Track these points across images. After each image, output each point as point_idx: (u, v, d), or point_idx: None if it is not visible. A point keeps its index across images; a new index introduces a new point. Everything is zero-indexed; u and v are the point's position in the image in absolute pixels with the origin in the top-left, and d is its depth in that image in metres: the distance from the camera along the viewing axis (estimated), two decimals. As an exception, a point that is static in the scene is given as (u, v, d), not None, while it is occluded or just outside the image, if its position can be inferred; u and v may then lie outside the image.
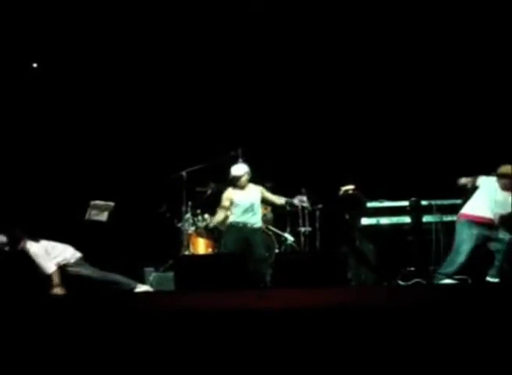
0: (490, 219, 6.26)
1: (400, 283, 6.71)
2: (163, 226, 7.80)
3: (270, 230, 7.57)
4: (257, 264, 6.50)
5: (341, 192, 7.10)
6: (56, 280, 6.28)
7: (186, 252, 7.38)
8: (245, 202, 6.72)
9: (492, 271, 6.24)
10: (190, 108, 8.58)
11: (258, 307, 3.82)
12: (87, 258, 6.62)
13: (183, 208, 7.39)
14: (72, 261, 6.48)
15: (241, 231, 6.71)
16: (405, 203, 7.05)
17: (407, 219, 7.03)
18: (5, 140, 8.11)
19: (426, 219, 6.93)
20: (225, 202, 6.84)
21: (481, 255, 6.38)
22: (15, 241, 6.32)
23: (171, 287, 6.28)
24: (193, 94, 8.52)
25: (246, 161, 6.96)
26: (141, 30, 7.92)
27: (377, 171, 7.97)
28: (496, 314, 3.45)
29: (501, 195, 6.27)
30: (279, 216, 7.77)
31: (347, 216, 7.23)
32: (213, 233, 7.67)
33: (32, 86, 8.32)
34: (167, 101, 8.58)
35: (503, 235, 6.23)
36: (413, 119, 8.27)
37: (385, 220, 7.07)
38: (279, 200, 6.99)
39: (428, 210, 6.89)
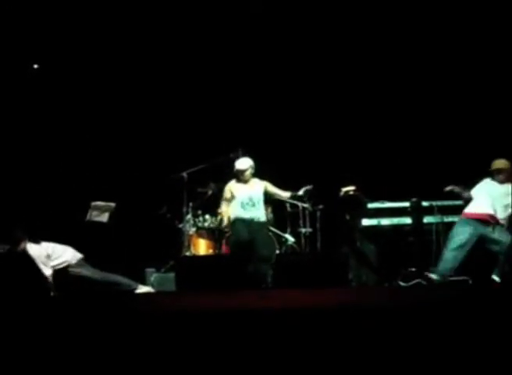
0: (488, 216, 6.27)
1: (401, 283, 6.71)
2: (164, 227, 7.80)
3: (270, 230, 7.56)
4: (258, 264, 6.49)
5: (342, 193, 7.09)
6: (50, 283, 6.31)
7: (187, 253, 7.38)
8: (243, 196, 6.70)
9: (497, 271, 6.28)
10: (190, 109, 8.58)
11: (259, 307, 3.82)
12: (88, 259, 6.62)
13: (184, 209, 7.40)
14: (74, 262, 6.48)
15: (247, 225, 6.66)
16: (406, 204, 7.05)
17: (407, 220, 7.03)
18: (6, 140, 8.11)
19: (427, 219, 6.93)
20: (226, 194, 6.84)
21: (481, 255, 6.38)
22: (15, 242, 6.32)
23: (172, 287, 6.29)
24: (194, 94, 8.52)
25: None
26: (141, 31, 7.92)
27: (378, 172, 7.97)
28: (497, 314, 3.45)
29: (500, 190, 6.30)
30: (279, 217, 7.77)
31: (348, 217, 7.23)
32: (214, 234, 7.68)
33: (33, 87, 8.33)
34: (167, 102, 8.58)
35: (498, 236, 6.22)
36: (414, 119, 8.27)
37: (386, 221, 7.07)
38: (285, 193, 6.97)
39: (429, 211, 6.88)
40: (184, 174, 7.29)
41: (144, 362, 3.17)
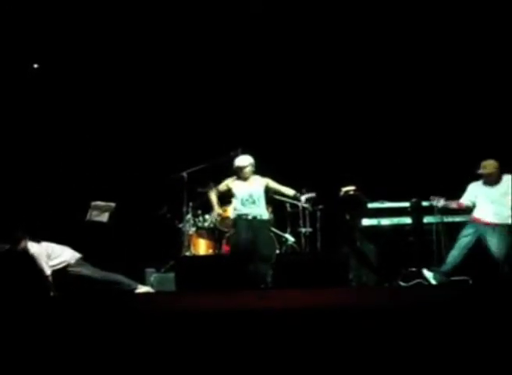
0: (490, 219, 6.29)
1: (401, 283, 6.71)
2: (164, 227, 7.80)
3: (271, 230, 7.56)
4: (259, 264, 6.47)
5: (342, 193, 7.09)
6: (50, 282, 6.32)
7: (187, 253, 7.38)
8: (243, 193, 6.67)
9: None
10: (190, 108, 8.57)
11: (259, 307, 3.82)
12: (88, 259, 6.63)
13: (184, 209, 7.40)
14: (73, 262, 6.50)
15: (250, 223, 6.63)
16: (406, 204, 7.05)
17: (407, 220, 7.04)
18: (6, 140, 8.11)
19: (427, 219, 6.94)
20: (222, 186, 6.81)
21: (481, 255, 6.39)
22: (16, 241, 6.33)
23: (172, 287, 6.28)
24: (193, 94, 8.52)
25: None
26: (141, 31, 7.92)
27: (378, 172, 7.96)
28: (497, 315, 3.45)
29: (496, 192, 6.33)
30: (279, 217, 7.76)
31: (348, 217, 7.22)
32: (214, 234, 7.68)
33: (33, 86, 8.33)
34: (167, 102, 8.58)
35: (497, 238, 6.24)
36: (414, 120, 8.27)
37: (386, 221, 7.08)
38: (289, 191, 6.88)
39: (429, 211, 6.88)
40: (184, 174, 7.28)
41: (143, 362, 3.17)
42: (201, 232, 7.66)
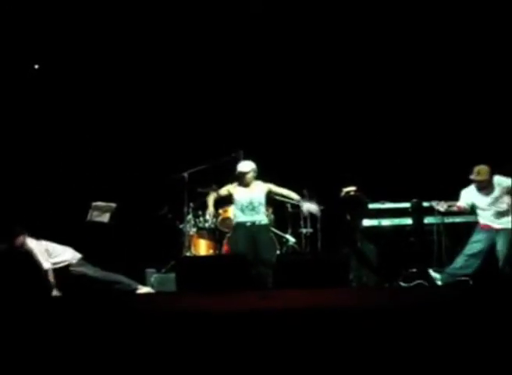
0: (495, 225, 6.36)
1: (402, 284, 6.71)
2: (164, 228, 7.80)
3: (271, 231, 7.55)
4: (260, 267, 6.48)
5: (343, 193, 7.09)
6: (51, 280, 6.32)
7: (188, 253, 7.38)
8: (243, 200, 6.69)
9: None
10: (191, 109, 8.57)
11: (260, 308, 3.82)
12: (88, 259, 6.66)
13: (185, 210, 7.39)
14: (74, 261, 6.54)
15: (249, 230, 6.66)
16: (407, 204, 7.05)
17: (408, 221, 7.04)
18: (6, 141, 8.12)
19: (428, 220, 6.93)
20: (223, 190, 6.84)
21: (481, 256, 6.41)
22: (14, 236, 6.35)
23: (172, 288, 6.28)
24: (194, 95, 8.52)
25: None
26: (142, 31, 7.92)
27: (378, 172, 7.96)
28: (497, 315, 3.45)
29: (490, 198, 6.38)
30: (280, 217, 7.76)
31: (349, 218, 7.22)
32: (214, 235, 7.68)
33: (33, 87, 8.33)
34: (168, 103, 8.58)
35: (502, 239, 6.27)
36: (414, 120, 8.27)
37: (386, 222, 7.08)
38: (292, 195, 6.92)
39: (430, 211, 6.88)
40: (185, 174, 7.28)
41: (144, 363, 3.17)
42: (202, 232, 7.66)
